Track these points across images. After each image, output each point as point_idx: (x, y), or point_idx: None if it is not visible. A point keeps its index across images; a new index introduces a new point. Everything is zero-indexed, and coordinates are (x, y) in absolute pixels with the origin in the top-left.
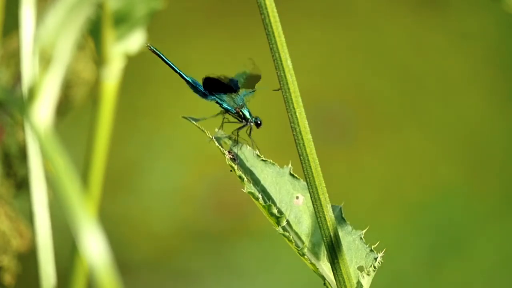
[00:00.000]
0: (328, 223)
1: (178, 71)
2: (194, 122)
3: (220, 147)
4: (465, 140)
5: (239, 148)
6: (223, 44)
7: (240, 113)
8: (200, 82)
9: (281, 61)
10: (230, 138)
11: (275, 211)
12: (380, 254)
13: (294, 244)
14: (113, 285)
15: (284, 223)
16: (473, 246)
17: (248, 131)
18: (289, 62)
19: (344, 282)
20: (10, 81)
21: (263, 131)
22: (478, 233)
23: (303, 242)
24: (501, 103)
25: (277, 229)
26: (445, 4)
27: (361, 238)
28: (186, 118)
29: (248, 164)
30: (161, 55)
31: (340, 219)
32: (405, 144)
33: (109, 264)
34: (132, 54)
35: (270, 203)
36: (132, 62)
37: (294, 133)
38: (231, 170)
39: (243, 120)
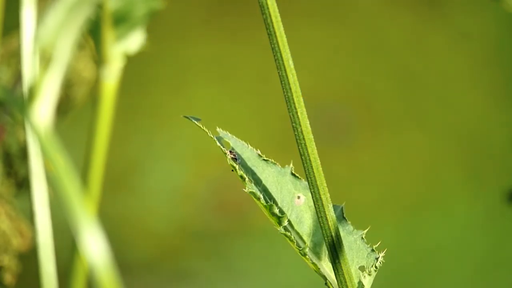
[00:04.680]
0: (329, 223)
1: None
2: (195, 122)
3: (221, 146)
4: (465, 140)
5: None
6: (223, 44)
7: None
8: None
9: (282, 61)
10: None
11: (276, 211)
12: (381, 254)
13: (295, 244)
14: (113, 285)
15: (285, 223)
16: (473, 246)
17: None
18: (290, 62)
19: (346, 282)
20: (11, 80)
21: (264, 131)
22: (479, 233)
23: (304, 242)
24: (501, 103)
25: (278, 229)
26: (445, 4)
27: (362, 238)
28: (187, 117)
29: (249, 164)
30: None
31: (341, 219)
32: (405, 144)
33: (109, 264)
34: (132, 54)
35: (272, 203)
36: (132, 62)
37: (296, 133)
38: (232, 170)
39: None
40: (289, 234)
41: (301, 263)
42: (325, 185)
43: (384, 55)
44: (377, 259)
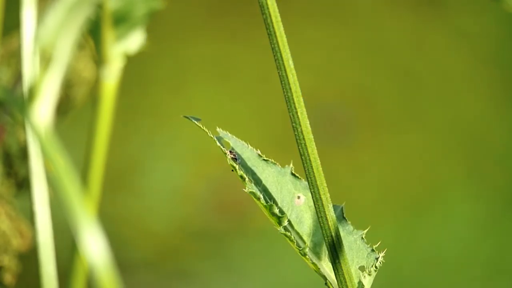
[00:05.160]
0: (329, 223)
1: None
2: (195, 122)
3: (221, 146)
4: (465, 140)
5: None
6: (223, 44)
7: None
8: None
9: (282, 61)
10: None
11: (276, 211)
12: (381, 254)
13: (295, 244)
14: (113, 285)
15: (285, 223)
16: (474, 246)
17: None
18: (290, 62)
19: (346, 282)
20: (11, 80)
21: (264, 131)
22: (479, 234)
23: (304, 242)
24: (501, 103)
25: (278, 229)
26: (445, 4)
27: (362, 238)
28: (187, 117)
29: (249, 164)
30: None
31: (341, 219)
32: (405, 143)
33: (109, 264)
34: (132, 54)
35: (272, 203)
36: (132, 62)
37: (296, 133)
38: (232, 170)
39: None
40: (289, 234)
41: (301, 263)
42: (325, 185)
43: (384, 55)
44: (377, 259)
